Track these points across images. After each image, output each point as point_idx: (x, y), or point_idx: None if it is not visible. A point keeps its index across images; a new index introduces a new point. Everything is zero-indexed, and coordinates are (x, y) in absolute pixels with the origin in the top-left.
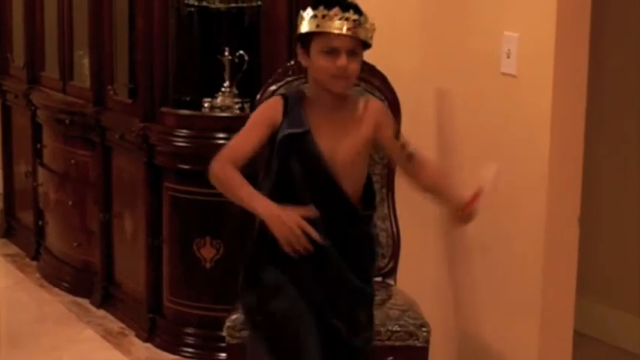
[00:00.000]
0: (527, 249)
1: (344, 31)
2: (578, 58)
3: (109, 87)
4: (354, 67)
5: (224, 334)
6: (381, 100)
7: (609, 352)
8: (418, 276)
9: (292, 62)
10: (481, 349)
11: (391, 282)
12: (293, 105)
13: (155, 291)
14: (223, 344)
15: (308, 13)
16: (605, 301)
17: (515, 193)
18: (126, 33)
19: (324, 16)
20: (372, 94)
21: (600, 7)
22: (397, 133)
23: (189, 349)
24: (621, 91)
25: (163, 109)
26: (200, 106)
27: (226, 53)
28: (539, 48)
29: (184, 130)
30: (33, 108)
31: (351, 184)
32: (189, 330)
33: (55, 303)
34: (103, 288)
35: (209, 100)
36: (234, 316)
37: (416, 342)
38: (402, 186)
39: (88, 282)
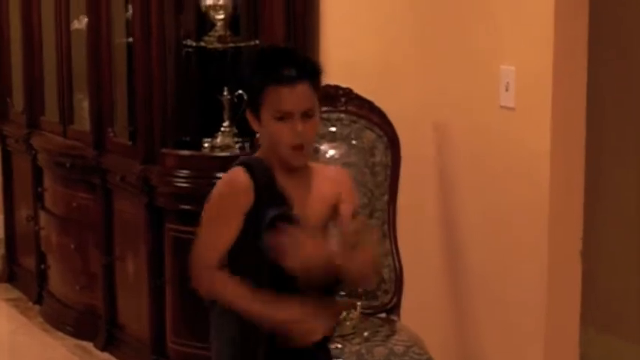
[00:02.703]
0: (530, 282)
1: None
2: (576, 89)
3: (109, 130)
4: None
5: None
6: (380, 136)
7: None
8: (422, 311)
9: None
10: None
11: (395, 318)
12: (261, 176)
13: (159, 332)
14: None
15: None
16: (610, 330)
17: (516, 226)
18: (125, 75)
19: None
20: (372, 131)
21: (597, 38)
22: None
23: None
24: (620, 122)
25: (163, 150)
26: (200, 147)
27: (225, 93)
28: (536, 81)
29: (185, 171)
30: (33, 152)
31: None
32: None
33: (58, 347)
34: (106, 331)
35: (209, 140)
36: None
37: None
38: (404, 221)
39: (92, 325)
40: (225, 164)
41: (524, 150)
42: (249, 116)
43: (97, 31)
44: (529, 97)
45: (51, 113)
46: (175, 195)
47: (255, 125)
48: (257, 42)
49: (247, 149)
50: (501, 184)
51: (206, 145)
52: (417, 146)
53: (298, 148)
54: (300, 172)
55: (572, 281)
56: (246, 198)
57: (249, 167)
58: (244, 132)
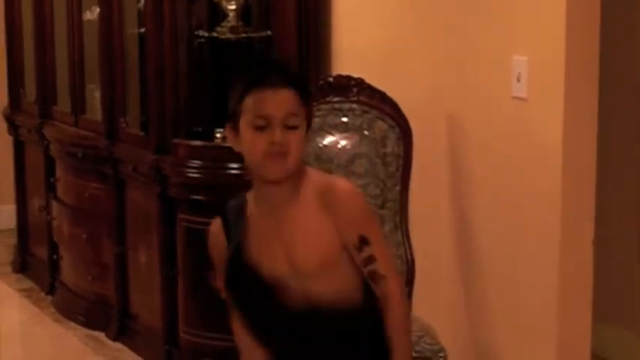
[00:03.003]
0: (542, 273)
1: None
2: (588, 79)
3: (121, 120)
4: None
5: None
6: (392, 126)
7: None
8: (433, 301)
9: None
10: None
11: None
12: (233, 217)
13: (171, 323)
14: None
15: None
16: (623, 324)
17: (528, 216)
18: (137, 65)
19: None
20: (384, 121)
21: (609, 28)
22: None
23: None
24: (633, 111)
25: (175, 140)
26: (212, 137)
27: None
28: (549, 71)
29: (197, 161)
30: (46, 142)
31: (329, 294)
32: None
33: (70, 337)
34: (118, 321)
35: (221, 130)
36: None
37: None
38: (416, 212)
39: (104, 315)
40: (237, 155)
41: (537, 140)
42: (228, 134)
43: (109, 22)
44: (541, 88)
45: (63, 103)
46: (187, 185)
47: (234, 142)
48: (269, 32)
49: None
50: (513, 175)
51: (218, 135)
52: (429, 137)
53: (274, 156)
54: (283, 203)
55: (584, 269)
56: (217, 245)
57: (224, 212)
58: None
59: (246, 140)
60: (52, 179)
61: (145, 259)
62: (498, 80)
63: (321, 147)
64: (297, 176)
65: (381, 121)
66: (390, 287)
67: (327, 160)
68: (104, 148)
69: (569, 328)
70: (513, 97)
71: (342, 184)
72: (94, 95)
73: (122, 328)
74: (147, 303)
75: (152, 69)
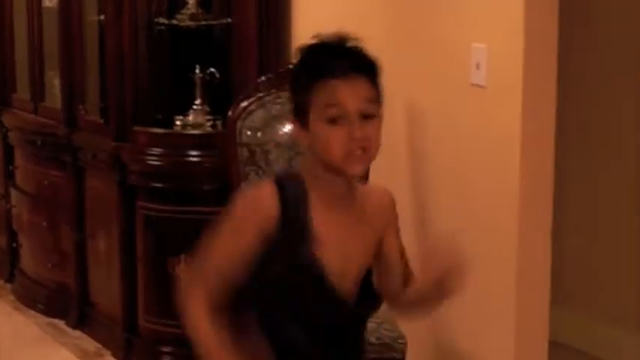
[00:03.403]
0: (500, 259)
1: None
2: (547, 67)
3: (80, 107)
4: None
5: None
6: None
7: None
8: None
9: (263, 78)
10: (456, 357)
11: None
12: (292, 201)
13: (130, 310)
14: None
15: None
16: (581, 309)
17: (486, 203)
18: (96, 53)
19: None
20: None
21: (568, 15)
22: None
23: None
24: (590, 99)
25: (135, 128)
26: (172, 124)
27: (197, 71)
28: (507, 59)
29: (157, 149)
30: (4, 130)
31: (352, 292)
32: (166, 349)
33: (30, 325)
34: (78, 308)
35: (181, 117)
36: None
37: (393, 354)
38: None
39: (63, 303)
40: (197, 142)
41: (495, 128)
42: (294, 127)
43: (69, 9)
44: (500, 76)
45: (22, 91)
46: (147, 173)
47: (302, 136)
48: (229, 20)
49: (219, 127)
50: (472, 162)
51: (178, 122)
52: (388, 123)
53: (353, 154)
54: (346, 202)
55: (542, 255)
56: (264, 217)
57: (281, 186)
58: (216, 110)
59: (321, 136)
60: (11, 167)
61: (104, 246)
62: (458, 68)
63: (281, 134)
64: None
65: None
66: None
67: (287, 147)
68: (63, 135)
69: (528, 313)
70: (472, 85)
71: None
72: (54, 83)
73: (82, 316)
74: (106, 290)
75: (111, 57)
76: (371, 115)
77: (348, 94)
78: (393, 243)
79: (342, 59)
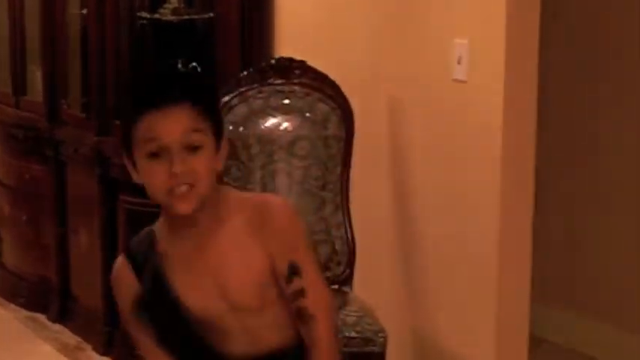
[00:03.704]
0: (481, 254)
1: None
2: (528, 62)
3: (62, 101)
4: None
5: None
6: (333, 108)
7: (566, 356)
8: (374, 282)
9: (245, 73)
10: (437, 353)
11: (347, 289)
12: (141, 257)
13: (112, 304)
14: None
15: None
16: (563, 305)
17: (468, 197)
18: (78, 47)
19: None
20: (325, 104)
21: (549, 11)
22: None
23: None
24: (572, 93)
25: (117, 122)
26: None
27: (179, 65)
28: (489, 54)
29: None
30: None
31: (265, 338)
32: None
33: (10, 319)
34: (59, 302)
35: None
36: None
37: (373, 348)
38: (357, 194)
39: (44, 297)
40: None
41: (477, 123)
42: (127, 165)
43: (51, 2)
44: (481, 71)
45: (3, 84)
46: None
47: (133, 175)
48: (211, 14)
49: None
50: (454, 156)
51: None
52: (370, 119)
53: (177, 190)
54: (201, 230)
55: (523, 250)
56: (125, 288)
57: (129, 249)
58: None
59: (142, 172)
60: None
61: (85, 240)
62: (439, 63)
63: (263, 129)
64: (214, 199)
65: (323, 103)
66: (319, 331)
67: (268, 142)
68: (45, 129)
69: (508, 309)
70: (454, 80)
71: (276, 199)
72: (36, 76)
73: (63, 310)
74: (88, 284)
75: (94, 50)
76: (196, 146)
77: (166, 126)
78: (280, 270)
79: (160, 89)
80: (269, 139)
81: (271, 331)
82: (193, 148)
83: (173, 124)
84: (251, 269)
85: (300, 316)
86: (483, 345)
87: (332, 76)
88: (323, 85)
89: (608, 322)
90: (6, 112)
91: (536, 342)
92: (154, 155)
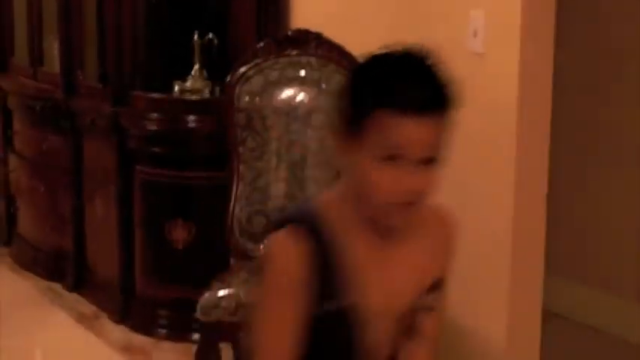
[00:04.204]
0: (496, 227)
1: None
2: (544, 34)
3: (79, 72)
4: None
5: (197, 314)
6: None
7: (578, 330)
8: None
9: (262, 44)
10: (450, 327)
11: None
12: (324, 245)
13: (127, 274)
14: (196, 324)
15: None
16: (574, 279)
17: (482, 171)
18: (95, 18)
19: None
20: (341, 75)
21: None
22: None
23: (163, 330)
24: (587, 66)
25: (134, 92)
26: (171, 89)
27: (195, 37)
28: (505, 26)
29: (155, 114)
30: (3, 94)
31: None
32: (162, 311)
33: (27, 288)
34: (75, 272)
35: (179, 82)
36: (206, 295)
37: None
38: None
39: (61, 266)
40: (196, 107)
41: (492, 95)
42: (337, 138)
43: None
44: (498, 43)
45: (21, 56)
46: (145, 137)
47: (343, 153)
48: None
49: (217, 94)
50: (469, 130)
51: (176, 87)
52: None
53: (400, 206)
54: (394, 242)
55: (537, 224)
56: (296, 271)
57: (307, 227)
58: (214, 76)
59: (367, 171)
60: (9, 132)
61: (102, 210)
62: (455, 35)
63: (279, 100)
64: None
65: (339, 74)
66: (419, 353)
67: (284, 113)
68: (62, 100)
69: (522, 283)
70: (470, 52)
71: (453, 218)
72: (53, 47)
73: (79, 279)
74: (104, 254)
75: (110, 22)
76: (432, 159)
77: (416, 138)
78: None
79: (419, 93)
80: (285, 110)
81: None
82: (428, 162)
83: (423, 137)
84: (422, 280)
85: (412, 330)
86: (496, 319)
87: (347, 47)
88: (339, 57)
89: (617, 294)
90: (23, 84)
91: (548, 316)
92: (387, 159)
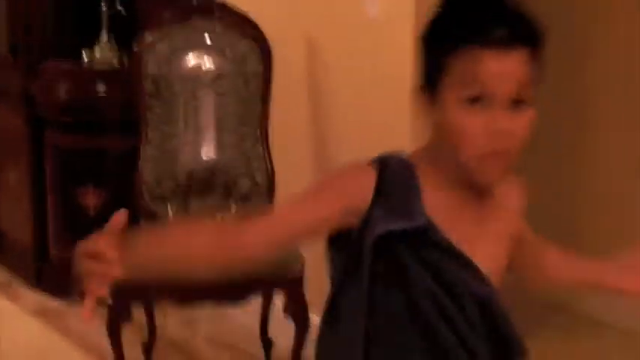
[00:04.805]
0: None
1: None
2: None
3: None
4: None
5: None
6: (253, 47)
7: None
8: None
9: (167, 13)
10: None
11: None
12: (396, 182)
13: (41, 239)
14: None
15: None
16: None
17: (382, 135)
18: None
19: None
20: (245, 41)
21: None
22: None
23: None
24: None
25: (43, 62)
26: (79, 58)
27: (103, 7)
28: None
29: (65, 83)
30: None
31: None
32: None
33: None
34: None
35: (88, 51)
36: None
37: (292, 273)
38: (277, 128)
39: None
40: (105, 76)
41: (389, 60)
42: (419, 96)
43: None
44: (393, 8)
45: None
46: (56, 106)
47: (427, 109)
48: None
49: (126, 63)
50: (368, 92)
51: (85, 57)
52: (288, 59)
53: (494, 155)
54: (476, 201)
55: None
56: (357, 188)
57: (383, 164)
58: (124, 45)
59: (451, 116)
60: None
61: (14, 178)
62: (352, 1)
63: (185, 67)
64: None
65: (243, 41)
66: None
67: (190, 79)
68: None
69: None
70: (368, 19)
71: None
72: None
73: None
74: (17, 221)
75: None
76: (524, 100)
77: (500, 72)
78: (524, 229)
79: (501, 23)
80: (191, 76)
81: None
82: (518, 104)
83: (509, 72)
84: (501, 248)
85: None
86: None
87: (251, 15)
88: (243, 25)
89: None
90: None
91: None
92: (473, 101)
